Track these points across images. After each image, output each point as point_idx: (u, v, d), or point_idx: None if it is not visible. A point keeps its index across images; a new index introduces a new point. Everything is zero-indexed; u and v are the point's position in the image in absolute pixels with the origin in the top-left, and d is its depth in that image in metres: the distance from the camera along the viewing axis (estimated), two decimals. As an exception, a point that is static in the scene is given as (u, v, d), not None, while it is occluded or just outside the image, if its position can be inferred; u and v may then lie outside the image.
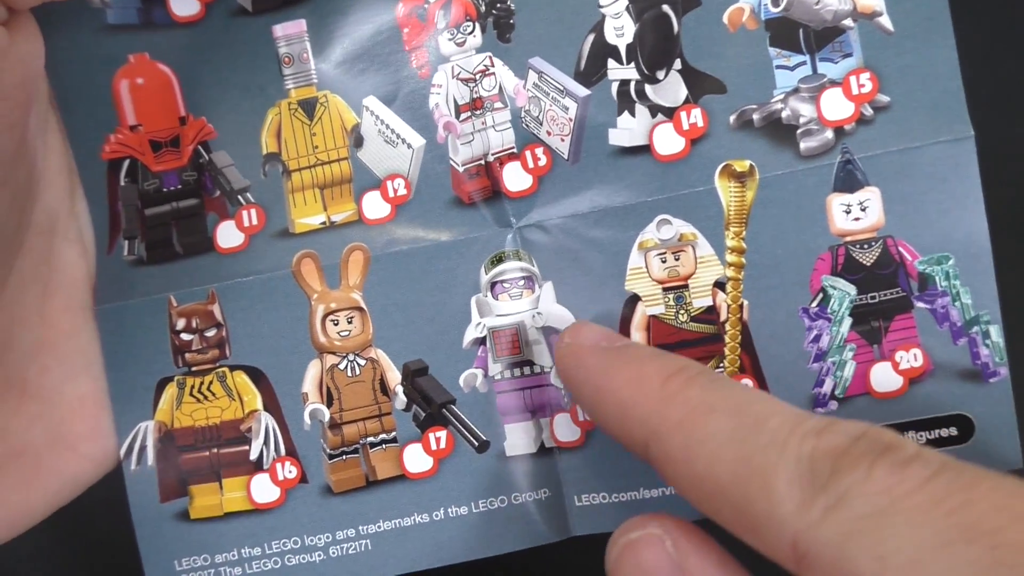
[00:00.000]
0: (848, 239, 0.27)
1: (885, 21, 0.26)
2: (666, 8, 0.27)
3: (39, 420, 0.27)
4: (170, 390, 0.29)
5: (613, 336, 0.25)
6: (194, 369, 0.29)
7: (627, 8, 0.27)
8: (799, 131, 0.26)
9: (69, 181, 0.28)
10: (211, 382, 0.29)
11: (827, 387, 0.27)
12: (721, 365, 0.27)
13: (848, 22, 0.26)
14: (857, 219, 0.26)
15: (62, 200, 0.28)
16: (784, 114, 0.26)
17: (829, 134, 0.26)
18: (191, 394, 0.29)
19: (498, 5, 0.28)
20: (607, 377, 0.23)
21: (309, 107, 0.29)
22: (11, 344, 0.26)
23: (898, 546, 0.17)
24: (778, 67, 0.27)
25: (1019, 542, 0.16)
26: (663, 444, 0.21)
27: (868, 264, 0.27)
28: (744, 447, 0.19)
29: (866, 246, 0.26)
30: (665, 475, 0.21)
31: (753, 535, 0.19)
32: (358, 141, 0.29)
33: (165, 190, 0.29)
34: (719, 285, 0.27)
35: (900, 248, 0.26)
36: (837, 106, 0.26)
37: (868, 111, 0.26)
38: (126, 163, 0.29)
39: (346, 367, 0.28)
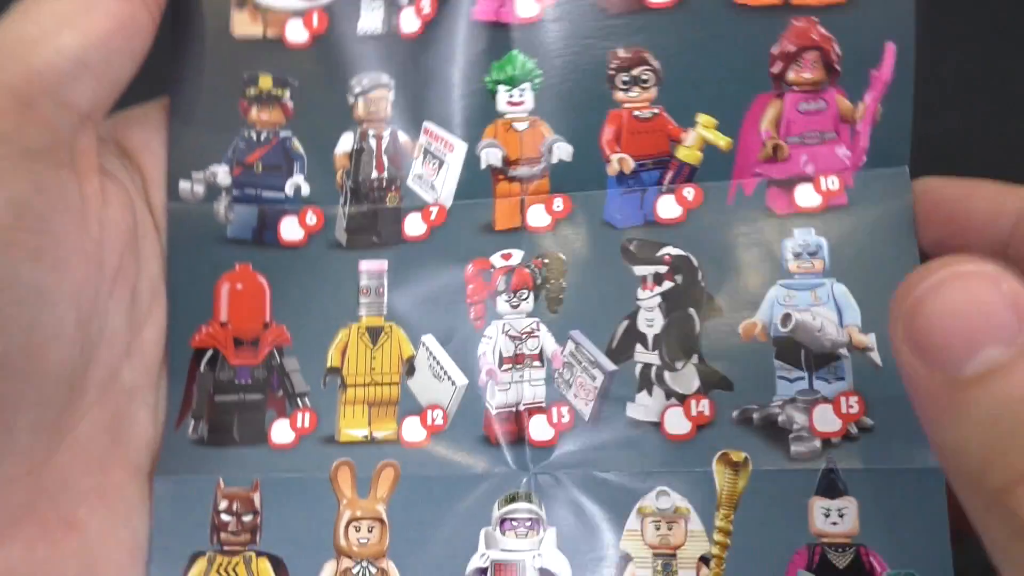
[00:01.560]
0: (825, 540, 0.29)
1: (875, 356, 0.30)
2: (692, 311, 0.32)
3: (75, 557, 0.29)
4: (200, 564, 0.31)
5: None
6: (225, 548, 0.32)
7: (659, 305, 0.32)
8: (791, 435, 0.30)
9: (160, 358, 0.33)
10: (237, 563, 0.31)
11: (791, 677, 0.29)
12: (696, 637, 0.30)
13: (843, 351, 0.30)
14: (835, 523, 0.29)
15: (150, 371, 0.32)
16: (780, 418, 0.30)
17: (817, 443, 0.30)
18: (217, 571, 0.31)
19: (552, 282, 0.33)
20: None
21: (375, 334, 0.33)
22: (67, 484, 0.29)
23: None
24: (780, 377, 0.31)
25: None
26: None
27: (841, 567, 0.29)
28: None
29: (841, 550, 0.29)
30: None
31: None
32: (410, 370, 0.33)
33: (236, 382, 0.33)
34: (704, 560, 0.30)
35: (871, 558, 0.29)
36: (827, 420, 0.30)
37: (854, 429, 0.30)
38: (209, 352, 0.33)
39: (358, 572, 0.31)
